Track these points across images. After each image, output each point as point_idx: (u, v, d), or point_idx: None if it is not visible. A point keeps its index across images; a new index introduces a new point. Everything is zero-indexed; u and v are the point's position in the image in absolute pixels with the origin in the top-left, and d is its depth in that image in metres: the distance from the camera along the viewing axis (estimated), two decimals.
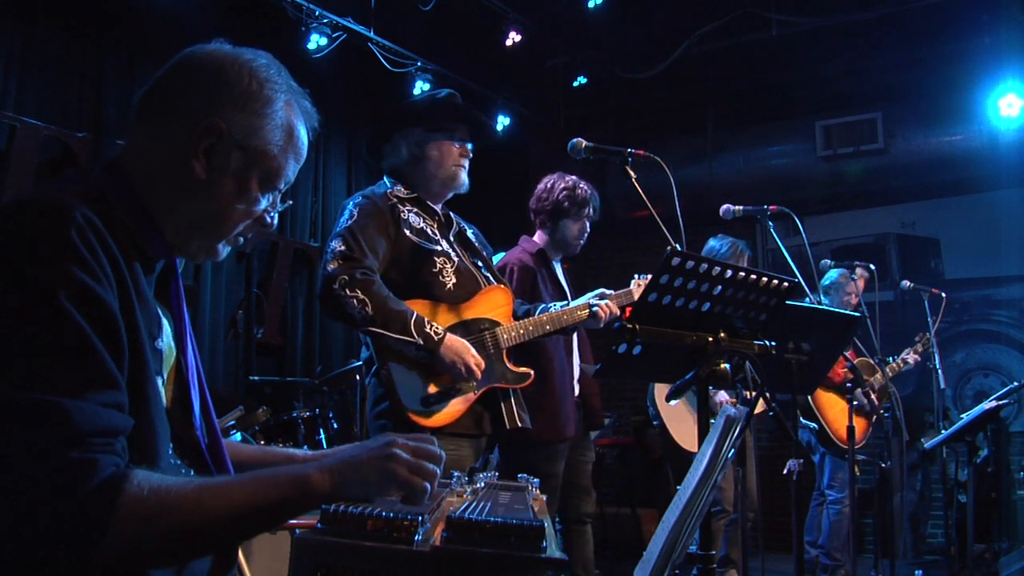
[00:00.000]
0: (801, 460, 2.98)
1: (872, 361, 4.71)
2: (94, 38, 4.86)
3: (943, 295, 5.02)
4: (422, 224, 2.77)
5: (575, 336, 3.66)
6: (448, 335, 2.61)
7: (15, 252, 1.03)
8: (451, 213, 2.94)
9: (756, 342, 1.87)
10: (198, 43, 1.30)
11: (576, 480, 3.69)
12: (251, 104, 1.25)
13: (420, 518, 0.92)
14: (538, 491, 1.38)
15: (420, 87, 5.88)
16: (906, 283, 5.09)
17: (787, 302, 2.00)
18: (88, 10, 4.78)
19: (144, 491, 1.01)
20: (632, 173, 2.47)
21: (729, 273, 1.80)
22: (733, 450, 1.28)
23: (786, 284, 1.92)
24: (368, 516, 0.93)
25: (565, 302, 3.00)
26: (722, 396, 4.08)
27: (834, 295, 4.99)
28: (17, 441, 0.96)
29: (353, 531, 0.92)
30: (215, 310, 5.35)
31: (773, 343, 1.89)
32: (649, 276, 1.86)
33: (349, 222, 2.66)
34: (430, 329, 2.58)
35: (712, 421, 1.41)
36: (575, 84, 7.32)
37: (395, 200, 2.76)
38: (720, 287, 1.80)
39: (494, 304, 2.81)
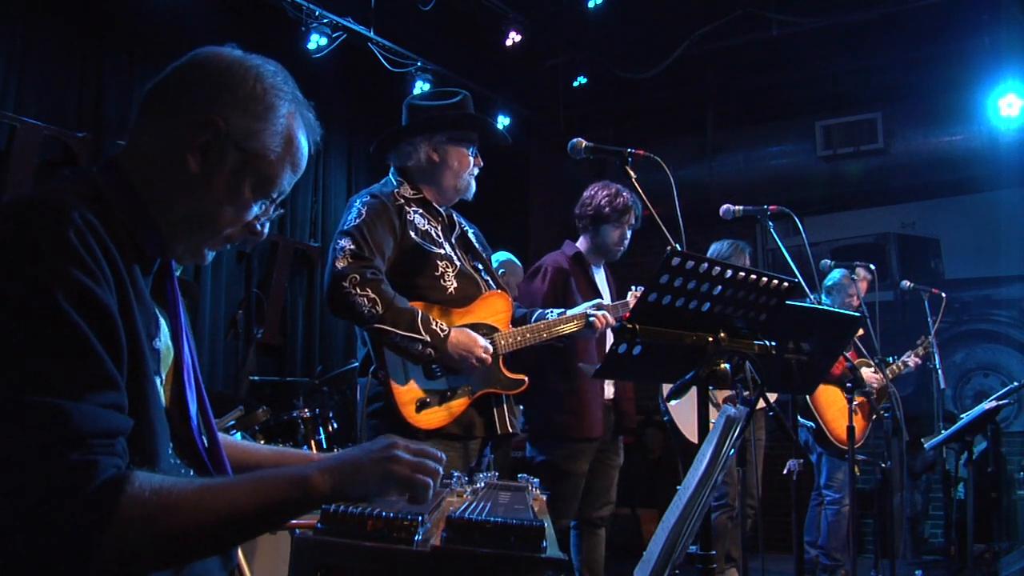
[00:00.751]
0: (801, 460, 2.98)
1: (872, 362, 4.71)
2: (94, 38, 4.86)
3: (943, 295, 5.02)
4: (427, 226, 2.77)
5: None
6: (454, 331, 2.63)
7: (13, 253, 1.03)
8: (454, 214, 2.94)
9: (756, 342, 1.87)
10: (198, 43, 1.30)
11: (597, 483, 3.72)
12: (253, 107, 1.25)
13: (420, 518, 0.92)
14: (538, 491, 1.38)
15: (420, 87, 5.88)
16: (906, 283, 5.09)
17: (787, 302, 2.00)
18: (88, 10, 4.78)
19: (145, 492, 1.00)
20: (632, 173, 2.47)
21: (729, 273, 1.80)
22: (733, 450, 1.28)
23: (786, 284, 1.92)
24: (368, 516, 0.93)
25: (562, 310, 3.00)
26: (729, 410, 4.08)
27: (836, 295, 4.99)
28: (17, 443, 0.96)
29: (353, 531, 0.92)
30: (215, 310, 5.35)
31: (773, 343, 1.89)
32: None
33: (358, 220, 2.65)
34: (436, 327, 2.59)
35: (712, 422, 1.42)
36: (575, 84, 7.32)
37: (402, 200, 2.76)
38: (720, 287, 1.80)
39: (493, 310, 2.81)
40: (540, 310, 3.04)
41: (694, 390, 1.82)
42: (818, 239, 6.79)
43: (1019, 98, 5.73)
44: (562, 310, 3.00)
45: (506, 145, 2.99)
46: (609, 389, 3.78)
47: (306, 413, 4.13)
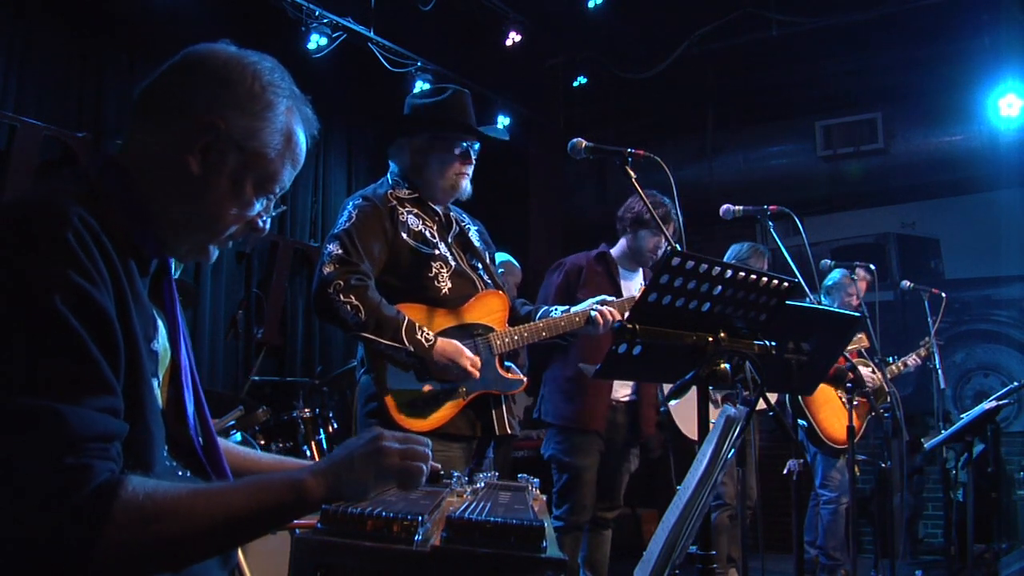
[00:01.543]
0: (801, 460, 2.98)
1: (871, 363, 4.71)
2: (94, 38, 4.86)
3: (943, 295, 5.02)
4: (421, 226, 2.75)
5: None
6: (439, 339, 2.60)
7: (11, 255, 1.02)
8: (452, 213, 2.92)
9: (756, 342, 1.87)
10: (198, 43, 1.29)
11: (607, 484, 3.76)
12: (252, 106, 1.24)
13: (420, 518, 0.92)
14: (538, 491, 1.38)
15: (420, 87, 5.88)
16: (906, 283, 5.09)
17: (787, 302, 2.00)
18: (88, 10, 4.78)
19: (139, 496, 1.00)
20: (632, 173, 2.46)
21: (729, 273, 1.79)
22: (733, 450, 1.28)
23: (786, 284, 1.92)
24: (368, 516, 0.93)
25: (567, 308, 2.97)
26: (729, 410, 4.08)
27: (836, 295, 4.99)
28: (12, 446, 0.96)
29: (353, 531, 0.92)
30: (215, 310, 5.35)
31: (773, 343, 1.89)
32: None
33: (347, 224, 2.66)
34: (421, 336, 2.57)
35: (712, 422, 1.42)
36: (575, 84, 7.32)
37: (395, 201, 2.75)
38: (720, 287, 1.80)
39: (489, 309, 2.80)
40: (545, 307, 3.02)
41: (694, 390, 1.82)
42: (818, 239, 6.79)
43: (1019, 98, 5.73)
44: (567, 307, 2.97)
45: (505, 143, 2.97)
46: (624, 389, 3.78)
47: (306, 413, 4.13)
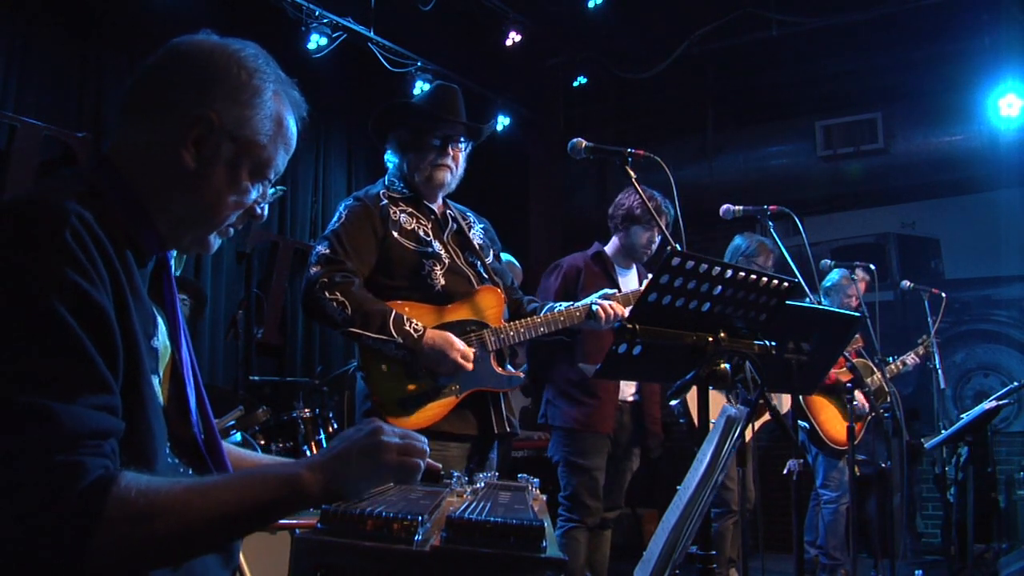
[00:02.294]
0: (801, 460, 2.97)
1: (871, 363, 4.71)
2: (94, 38, 4.86)
3: (943, 295, 5.02)
4: (413, 225, 2.76)
5: None
6: (429, 331, 2.60)
7: (8, 253, 1.02)
8: (451, 211, 2.91)
9: (756, 342, 1.87)
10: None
11: (610, 485, 3.73)
12: (241, 94, 1.24)
13: (420, 518, 0.92)
14: (538, 491, 1.38)
15: (420, 87, 5.89)
16: (906, 283, 5.09)
17: (787, 302, 2.00)
18: (88, 10, 4.78)
19: (132, 493, 1.00)
20: (632, 173, 2.47)
21: (729, 273, 1.79)
22: (733, 450, 1.28)
23: (786, 284, 1.92)
24: (368, 516, 0.93)
25: (571, 303, 2.95)
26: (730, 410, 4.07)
27: (835, 296, 4.99)
28: (5, 443, 0.96)
29: (353, 531, 0.92)
30: (215, 310, 5.35)
31: (773, 343, 1.89)
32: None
33: (337, 225, 2.70)
34: (409, 327, 2.57)
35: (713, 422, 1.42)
36: (575, 84, 7.32)
37: (387, 201, 2.76)
38: (720, 287, 1.80)
39: (483, 305, 2.78)
40: (550, 304, 3.00)
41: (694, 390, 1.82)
42: (818, 239, 6.79)
43: (1019, 98, 5.72)
44: (571, 303, 2.94)
45: (505, 144, 2.98)
46: (629, 389, 3.76)
47: (306, 413, 4.13)
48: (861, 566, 4.62)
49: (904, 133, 6.23)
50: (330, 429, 4.27)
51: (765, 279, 1.86)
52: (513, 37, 6.29)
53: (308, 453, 4.02)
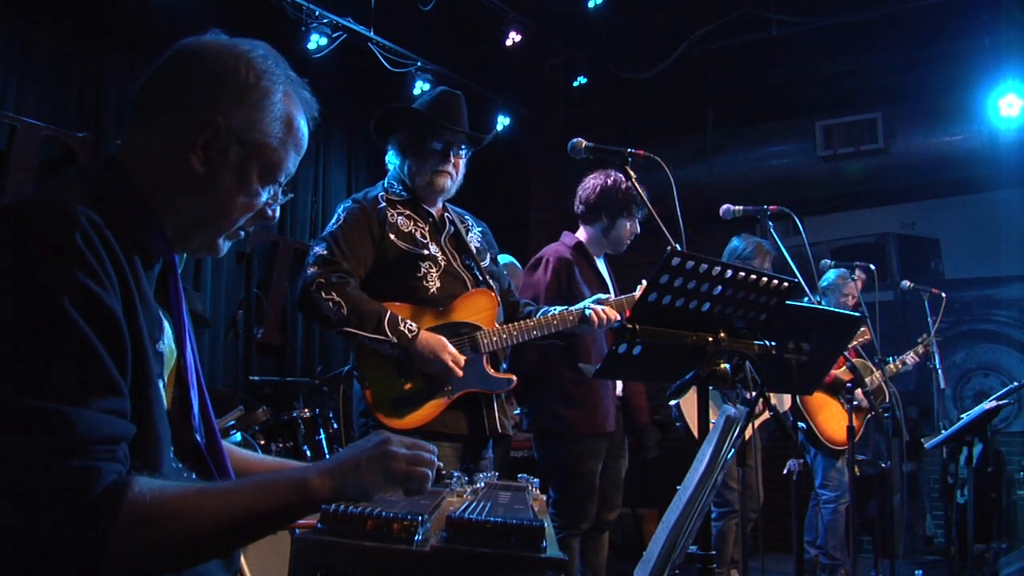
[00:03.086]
0: (801, 460, 2.97)
1: (870, 363, 4.71)
2: (94, 38, 4.86)
3: (943, 295, 5.02)
4: (411, 227, 2.78)
5: None
6: (423, 332, 2.63)
7: (18, 256, 1.02)
8: (449, 215, 2.93)
9: (756, 342, 1.87)
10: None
11: (605, 485, 3.60)
12: (249, 97, 1.23)
13: (420, 518, 0.92)
14: (538, 491, 1.38)
15: (420, 87, 5.89)
16: (906, 283, 5.09)
17: (787, 302, 2.00)
18: (88, 10, 4.78)
19: (146, 498, 1.00)
20: (632, 173, 2.47)
21: (729, 273, 1.79)
22: (733, 450, 1.28)
23: (786, 284, 1.92)
24: (368, 516, 0.93)
25: (566, 307, 2.96)
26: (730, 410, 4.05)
27: (831, 296, 4.99)
28: (19, 448, 0.95)
29: (353, 531, 0.92)
30: (215, 310, 5.35)
31: (773, 343, 1.89)
32: None
33: (335, 227, 2.74)
34: (404, 327, 2.60)
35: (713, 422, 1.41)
36: (575, 84, 7.32)
37: (386, 203, 2.79)
38: (720, 287, 1.80)
39: (476, 308, 2.80)
40: (546, 307, 3.00)
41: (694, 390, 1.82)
42: (818, 239, 6.79)
43: (1019, 98, 5.72)
44: (565, 307, 2.93)
45: (505, 144, 2.99)
46: (618, 385, 3.71)
47: (306, 413, 4.13)
48: (861, 566, 4.62)
49: (904, 133, 6.23)
50: (330, 429, 4.27)
51: (765, 279, 1.86)
52: (513, 37, 6.28)
53: (308, 453, 4.02)
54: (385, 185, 2.87)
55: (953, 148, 6.11)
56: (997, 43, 5.88)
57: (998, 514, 5.52)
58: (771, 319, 1.94)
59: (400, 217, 2.78)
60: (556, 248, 3.66)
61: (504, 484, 1.41)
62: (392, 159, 2.90)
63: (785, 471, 3.01)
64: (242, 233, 1.32)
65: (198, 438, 1.26)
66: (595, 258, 3.72)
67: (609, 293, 3.42)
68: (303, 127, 1.30)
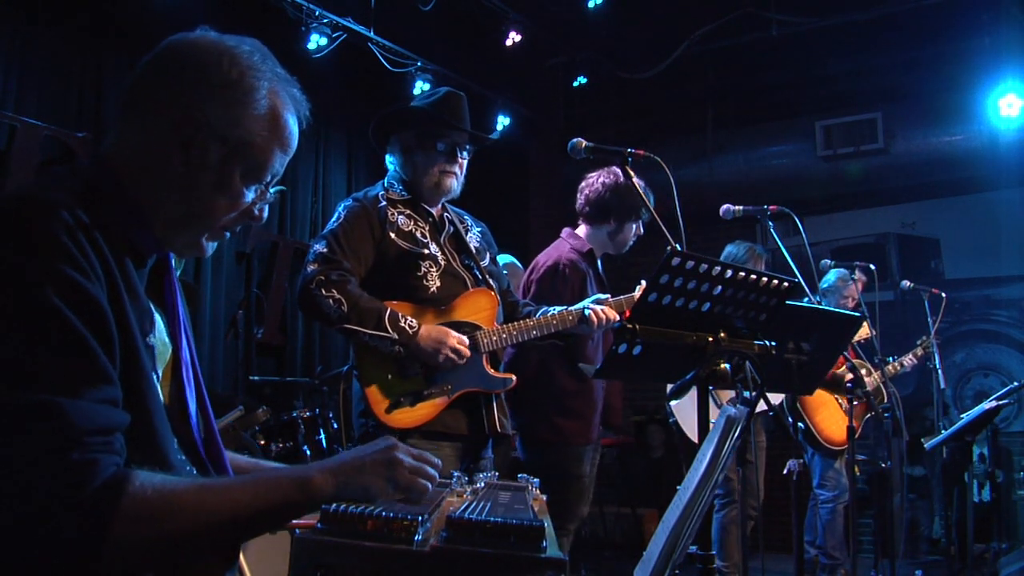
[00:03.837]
0: (801, 460, 2.97)
1: (868, 364, 4.71)
2: (94, 38, 4.86)
3: (943, 295, 5.02)
4: (411, 226, 2.78)
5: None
6: (424, 326, 2.63)
7: (2, 250, 1.02)
8: (448, 214, 2.93)
9: (756, 342, 1.87)
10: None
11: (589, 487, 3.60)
12: (231, 93, 1.20)
13: (420, 518, 0.92)
14: (538, 491, 1.38)
15: (420, 87, 5.89)
16: (906, 283, 5.09)
17: (787, 302, 2.00)
18: (88, 10, 4.78)
19: (147, 492, 1.00)
20: (632, 173, 2.47)
21: (729, 273, 1.79)
22: (733, 450, 1.28)
23: (786, 284, 1.92)
24: (368, 516, 0.93)
25: (564, 307, 2.95)
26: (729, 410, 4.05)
27: (831, 299, 4.99)
28: (16, 443, 0.95)
29: (353, 531, 0.92)
30: (215, 310, 5.35)
31: (773, 343, 1.89)
32: None
33: (335, 225, 2.72)
34: (404, 323, 2.60)
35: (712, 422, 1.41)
36: (575, 84, 7.32)
37: (386, 203, 2.78)
38: (720, 287, 1.80)
39: (476, 308, 2.80)
40: (545, 307, 2.98)
41: (694, 390, 1.82)
42: (818, 239, 6.79)
43: (1019, 98, 5.72)
44: (564, 307, 2.92)
45: (505, 143, 2.98)
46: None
47: (306, 413, 4.13)
48: (861, 566, 4.61)
49: (904, 133, 6.23)
50: (330, 429, 4.27)
51: (765, 279, 1.86)
52: (513, 37, 6.29)
53: (308, 453, 4.02)
54: (385, 184, 2.87)
55: (953, 148, 6.11)
56: (997, 43, 5.88)
57: (998, 514, 5.52)
58: (771, 319, 1.94)
59: (401, 216, 2.78)
60: (567, 255, 3.50)
61: (504, 484, 1.41)
62: (393, 159, 2.89)
63: (785, 471, 3.02)
64: (227, 234, 1.30)
65: (195, 433, 1.26)
66: (597, 261, 3.68)
67: (607, 294, 3.40)
68: (291, 125, 1.27)
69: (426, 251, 2.76)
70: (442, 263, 2.78)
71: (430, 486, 1.17)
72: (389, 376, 2.66)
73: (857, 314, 2.76)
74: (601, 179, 3.56)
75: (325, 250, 2.65)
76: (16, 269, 1.01)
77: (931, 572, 5.34)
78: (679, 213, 2.45)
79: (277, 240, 5.84)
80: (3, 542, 0.95)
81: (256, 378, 5.20)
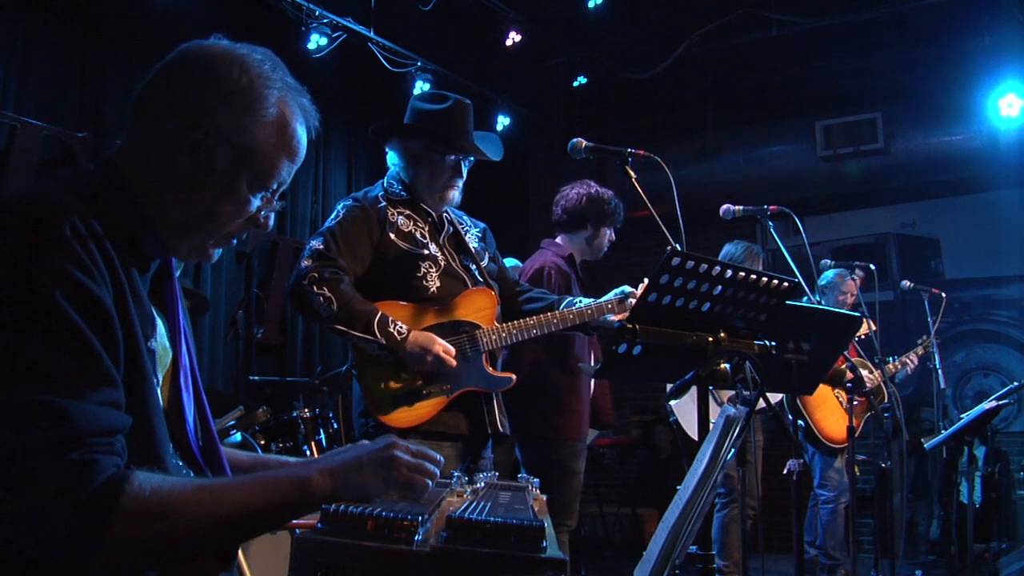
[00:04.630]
0: (801, 460, 2.97)
1: (868, 363, 4.71)
2: (94, 38, 4.86)
3: (943, 295, 5.02)
4: (411, 227, 2.78)
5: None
6: (413, 332, 2.62)
7: (9, 251, 1.02)
8: (447, 215, 2.93)
9: (756, 342, 1.87)
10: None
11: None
12: (240, 100, 1.21)
13: (420, 518, 0.92)
14: (538, 491, 1.38)
15: (420, 87, 5.88)
16: (906, 283, 5.09)
17: (787, 302, 2.00)
18: (88, 10, 4.78)
19: (145, 492, 1.01)
20: (632, 173, 2.47)
21: (729, 273, 1.79)
22: (733, 450, 1.28)
23: (786, 284, 1.92)
24: (368, 516, 0.93)
25: (591, 299, 2.95)
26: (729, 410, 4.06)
27: (829, 295, 4.99)
28: (16, 442, 0.96)
29: (353, 531, 0.92)
30: (215, 310, 5.35)
31: (773, 343, 1.89)
32: None
33: (333, 223, 2.72)
34: (393, 328, 2.59)
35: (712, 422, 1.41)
36: (575, 84, 7.32)
37: (386, 203, 2.78)
38: (720, 287, 1.80)
39: (476, 307, 2.80)
40: (569, 298, 2.97)
41: (694, 388, 1.82)
42: (818, 239, 6.79)
43: (1019, 98, 5.73)
44: (591, 300, 2.91)
45: (504, 143, 2.98)
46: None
47: (306, 413, 4.12)
48: (861, 566, 4.62)
49: (904, 133, 6.23)
50: (330, 429, 4.27)
51: (765, 279, 1.86)
52: (513, 37, 6.28)
53: (308, 453, 4.02)
54: (385, 184, 2.87)
55: (953, 148, 6.11)
56: (997, 43, 5.89)
57: (998, 514, 5.52)
58: (771, 319, 1.94)
59: (400, 217, 2.78)
60: (554, 260, 3.66)
61: (504, 484, 1.41)
62: (394, 160, 2.89)
63: (785, 471, 3.02)
64: (233, 240, 1.30)
65: (192, 439, 1.26)
66: (577, 265, 3.76)
67: (590, 297, 3.48)
68: (300, 135, 1.27)
69: (426, 252, 2.76)
70: (442, 263, 2.78)
71: (431, 483, 1.17)
72: (388, 376, 2.66)
73: (857, 314, 2.76)
74: (576, 190, 3.74)
75: (321, 247, 2.65)
76: (24, 270, 1.01)
77: (931, 572, 5.35)
78: (679, 213, 2.45)
79: (277, 240, 5.84)
80: (4, 540, 0.96)
81: (256, 378, 5.20)
